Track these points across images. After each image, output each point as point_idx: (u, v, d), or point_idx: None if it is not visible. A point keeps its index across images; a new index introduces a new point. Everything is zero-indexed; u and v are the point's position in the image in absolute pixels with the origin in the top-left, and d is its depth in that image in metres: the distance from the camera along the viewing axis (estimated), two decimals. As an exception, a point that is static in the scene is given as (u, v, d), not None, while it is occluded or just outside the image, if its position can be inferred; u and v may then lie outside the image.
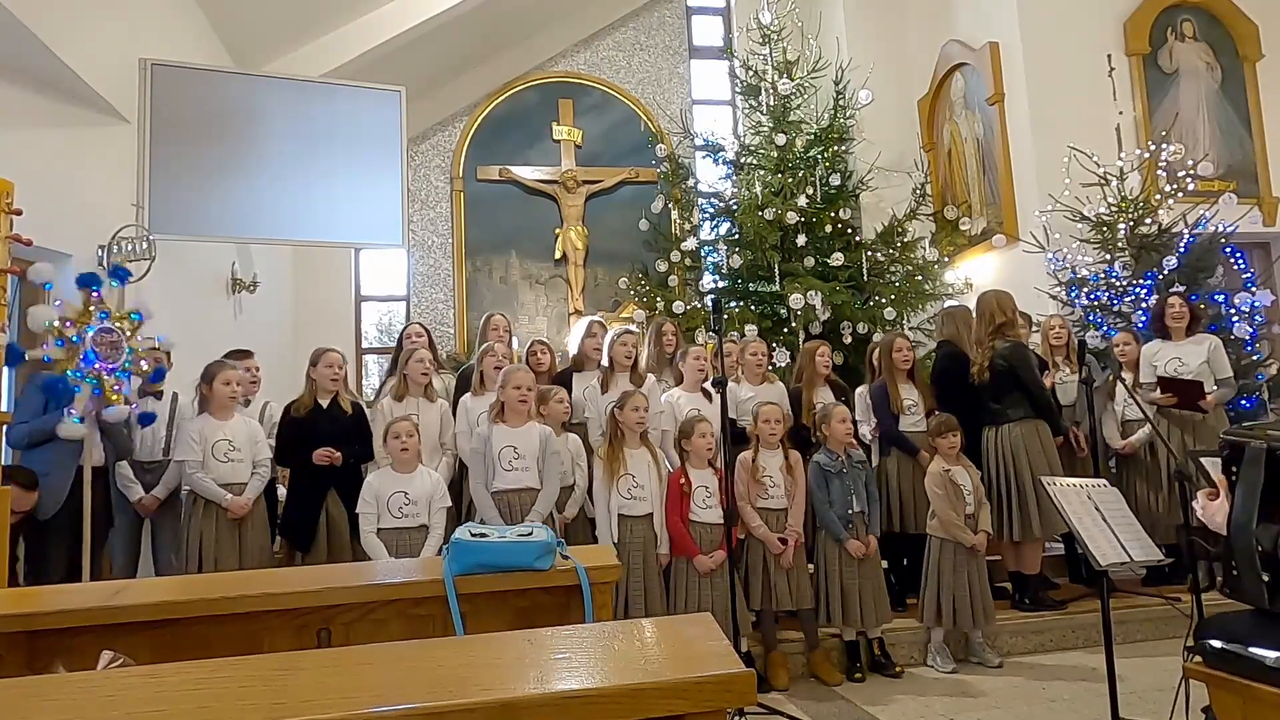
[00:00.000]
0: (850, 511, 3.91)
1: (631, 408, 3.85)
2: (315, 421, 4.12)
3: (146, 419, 3.93)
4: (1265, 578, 1.85)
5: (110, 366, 3.72)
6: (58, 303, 3.66)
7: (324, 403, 4.18)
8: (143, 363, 3.84)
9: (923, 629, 4.05)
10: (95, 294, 3.73)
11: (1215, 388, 4.61)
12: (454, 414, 4.39)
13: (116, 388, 3.72)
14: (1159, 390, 4.65)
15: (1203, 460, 2.30)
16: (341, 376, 4.26)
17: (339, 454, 4.01)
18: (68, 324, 3.61)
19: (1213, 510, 2.00)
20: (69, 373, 3.58)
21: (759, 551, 3.87)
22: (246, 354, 4.48)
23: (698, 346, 4.56)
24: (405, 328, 4.91)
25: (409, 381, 4.27)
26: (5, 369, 3.44)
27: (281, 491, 4.47)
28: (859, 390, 4.77)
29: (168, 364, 4.15)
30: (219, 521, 3.81)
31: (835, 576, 3.89)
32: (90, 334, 3.68)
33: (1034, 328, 5.29)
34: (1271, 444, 1.90)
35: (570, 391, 4.32)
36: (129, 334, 3.83)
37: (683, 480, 3.82)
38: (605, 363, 4.38)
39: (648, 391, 4.34)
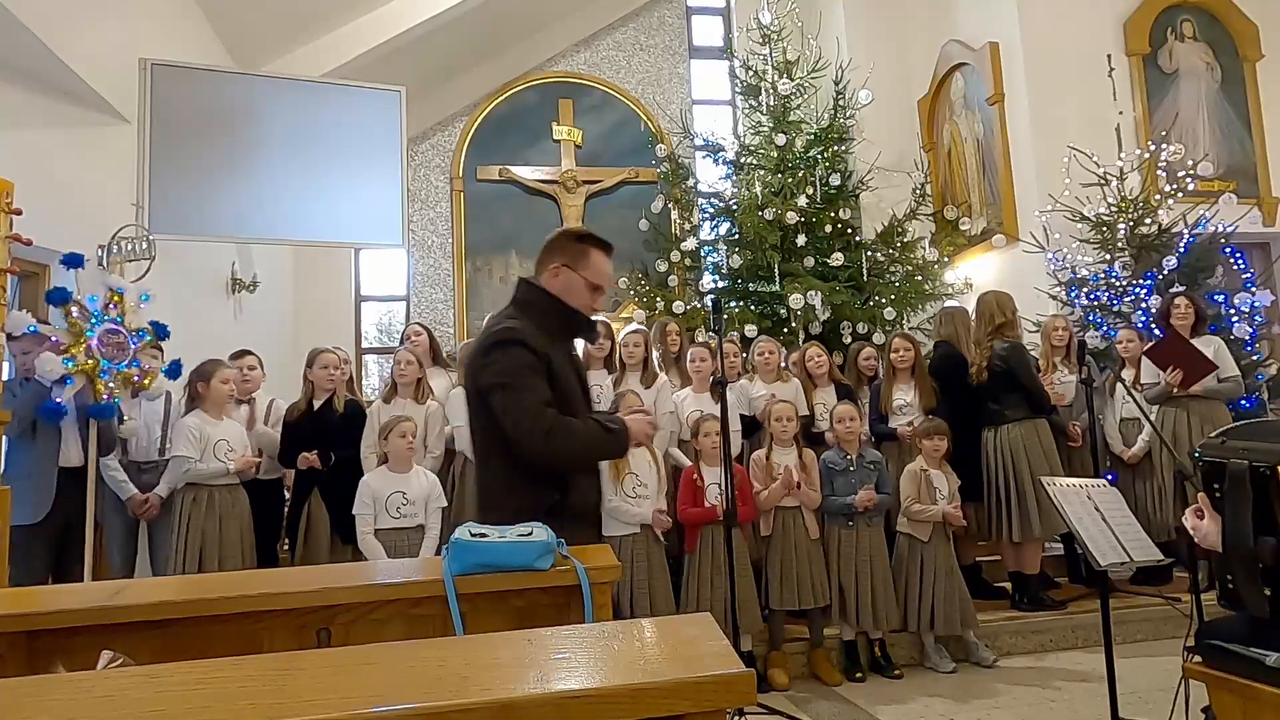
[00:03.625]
0: (855, 512, 3.91)
1: (626, 408, 3.86)
2: (307, 424, 4.13)
3: (102, 411, 3.86)
4: (1267, 591, 1.85)
5: (110, 365, 3.74)
6: (55, 339, 3.68)
7: (317, 404, 4.18)
8: (137, 375, 3.88)
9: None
10: (75, 307, 3.76)
11: (1219, 382, 4.61)
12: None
13: (110, 383, 3.74)
14: (1156, 365, 4.64)
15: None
16: (338, 377, 4.26)
17: (315, 457, 4.00)
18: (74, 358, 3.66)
19: (1205, 529, 1.99)
20: (66, 359, 3.63)
21: (778, 551, 3.89)
22: (244, 353, 4.49)
23: (699, 346, 4.56)
24: (406, 328, 4.92)
25: (395, 384, 4.28)
26: (4, 365, 3.43)
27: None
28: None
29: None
30: (219, 519, 3.80)
31: (850, 576, 3.91)
32: (100, 329, 3.70)
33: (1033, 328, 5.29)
34: (1252, 462, 1.89)
35: None
36: (141, 347, 3.87)
37: (696, 477, 3.85)
38: (617, 363, 4.40)
39: (658, 390, 4.36)
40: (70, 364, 3.62)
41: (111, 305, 3.87)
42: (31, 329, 3.67)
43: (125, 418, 3.89)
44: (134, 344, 3.86)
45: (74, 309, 3.74)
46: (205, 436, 3.85)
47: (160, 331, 4.00)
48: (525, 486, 2.14)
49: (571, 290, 2.25)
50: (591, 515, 2.29)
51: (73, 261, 3.87)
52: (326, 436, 4.09)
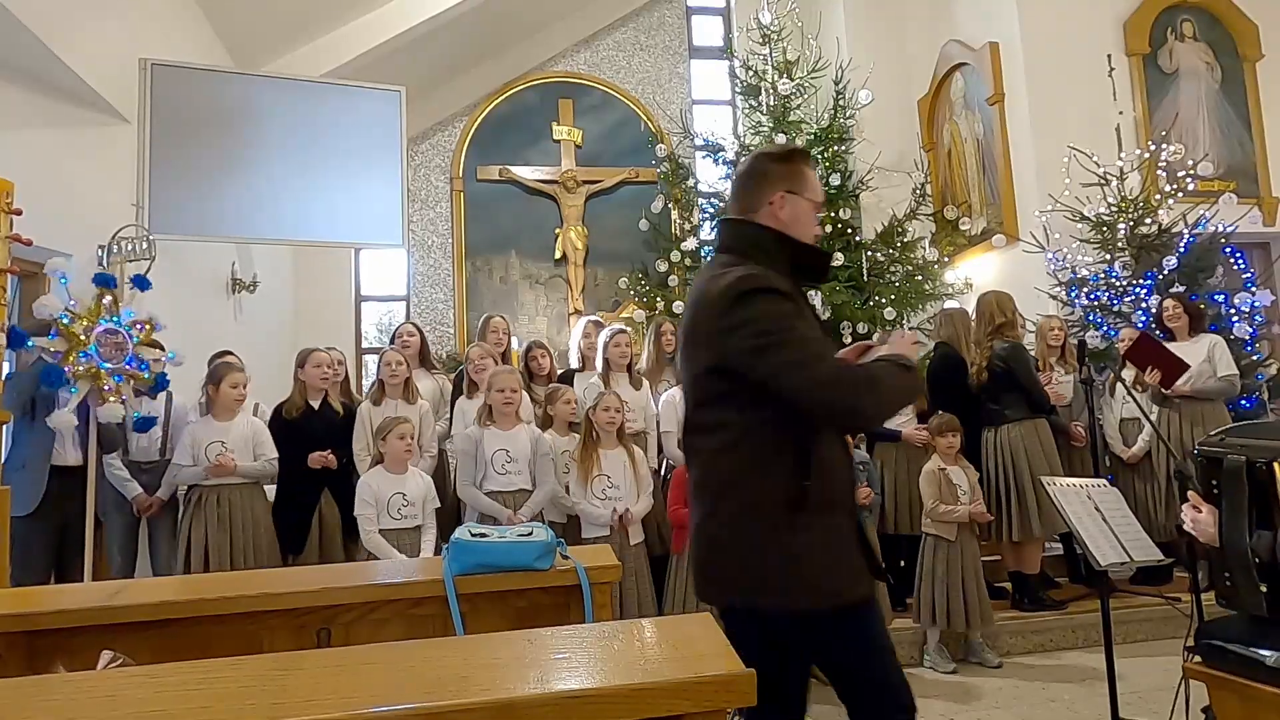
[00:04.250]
0: None
1: (603, 408, 3.86)
2: (307, 423, 4.11)
3: (145, 424, 3.90)
4: (1263, 588, 1.85)
5: (110, 367, 3.73)
6: (72, 302, 3.68)
7: (315, 403, 4.17)
8: (144, 371, 3.87)
9: (921, 629, 4.06)
10: (109, 296, 3.79)
11: (1217, 380, 4.62)
12: (450, 414, 4.41)
13: (108, 387, 3.73)
14: (1133, 366, 4.65)
15: (1203, 460, 2.30)
16: (331, 376, 4.26)
17: (333, 457, 4.00)
18: (73, 319, 3.65)
19: (1203, 521, 1.99)
20: (65, 367, 3.61)
21: None
22: (225, 353, 4.47)
23: None
24: (397, 328, 4.91)
25: (383, 385, 4.28)
26: (4, 365, 3.43)
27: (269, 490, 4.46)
28: None
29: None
30: (217, 521, 3.78)
31: None
32: (96, 331, 3.70)
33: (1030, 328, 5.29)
34: (1250, 457, 1.90)
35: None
36: (140, 340, 3.86)
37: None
38: (601, 363, 4.40)
39: (645, 393, 4.36)
40: (66, 320, 3.63)
41: (139, 326, 3.90)
42: (29, 345, 3.66)
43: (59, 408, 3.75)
44: (131, 339, 3.85)
45: (107, 298, 3.79)
46: (198, 441, 3.84)
47: (161, 382, 3.99)
48: (762, 474, 1.71)
49: (799, 220, 1.85)
50: (848, 505, 1.85)
51: (141, 284, 4.03)
52: (332, 437, 4.09)
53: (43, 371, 3.63)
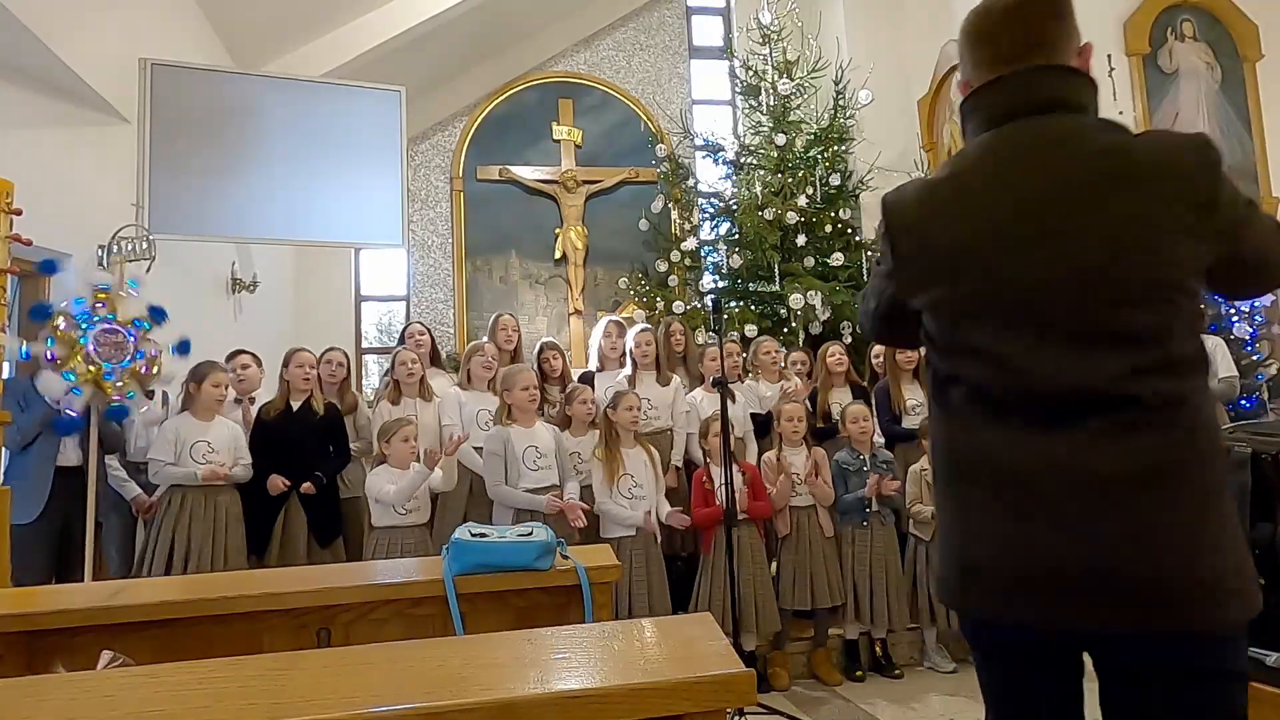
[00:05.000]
0: (868, 510, 3.92)
1: (625, 407, 3.86)
2: (285, 425, 4.06)
3: (116, 413, 3.77)
4: (1261, 580, 1.86)
5: (112, 366, 3.71)
6: (49, 355, 3.57)
7: (295, 405, 4.12)
8: (143, 366, 3.84)
9: (919, 629, 4.06)
10: (102, 299, 3.74)
11: (1216, 383, 4.62)
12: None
13: (118, 386, 3.71)
14: None
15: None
16: (326, 376, 4.25)
17: (309, 485, 3.93)
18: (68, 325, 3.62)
19: None
20: (67, 373, 3.57)
21: (791, 551, 3.90)
22: (239, 352, 4.45)
23: (714, 347, 4.54)
24: (406, 327, 4.91)
25: (399, 384, 4.27)
26: (4, 365, 3.42)
27: None
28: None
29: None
30: (177, 524, 3.72)
31: (864, 576, 3.91)
32: (93, 332, 3.66)
33: None
34: (1256, 448, 1.92)
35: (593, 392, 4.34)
36: (141, 334, 3.82)
37: (705, 479, 3.86)
38: (629, 363, 4.41)
39: (673, 391, 4.38)
40: (71, 377, 3.55)
41: (99, 305, 3.71)
42: (23, 354, 3.61)
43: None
44: (132, 337, 3.77)
45: (60, 321, 3.57)
46: (182, 439, 3.79)
47: (156, 314, 3.84)
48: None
49: None
50: None
51: (48, 268, 3.77)
52: (307, 440, 4.04)
53: (54, 422, 3.61)
